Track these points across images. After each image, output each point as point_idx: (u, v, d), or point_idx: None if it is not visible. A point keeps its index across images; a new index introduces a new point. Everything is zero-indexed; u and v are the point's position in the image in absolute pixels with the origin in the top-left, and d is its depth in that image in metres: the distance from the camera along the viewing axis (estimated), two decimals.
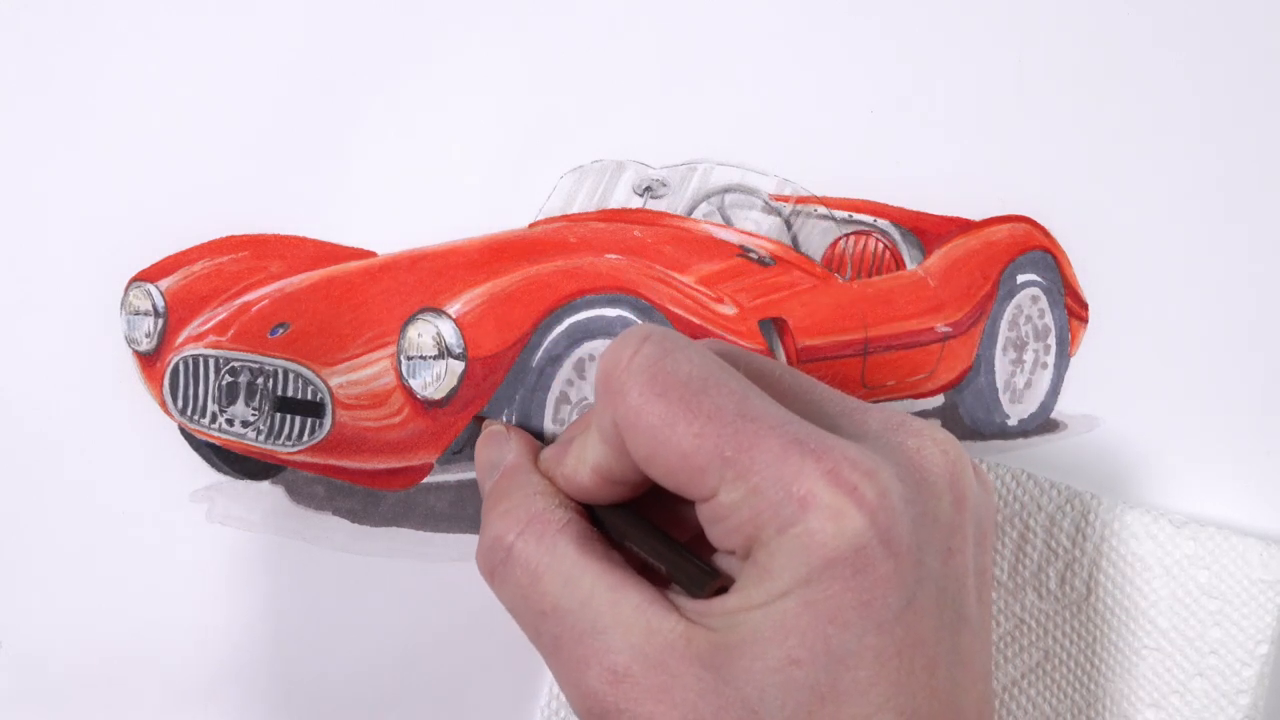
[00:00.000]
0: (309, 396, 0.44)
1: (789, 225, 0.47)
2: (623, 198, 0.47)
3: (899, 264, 0.48)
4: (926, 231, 0.48)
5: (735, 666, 0.30)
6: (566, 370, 0.45)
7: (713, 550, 0.34)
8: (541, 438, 0.45)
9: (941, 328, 0.49)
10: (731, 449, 0.31)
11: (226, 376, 0.45)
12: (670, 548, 0.34)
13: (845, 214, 0.48)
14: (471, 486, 0.46)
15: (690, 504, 0.33)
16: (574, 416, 0.46)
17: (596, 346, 0.45)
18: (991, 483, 0.36)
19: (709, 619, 0.31)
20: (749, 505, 0.31)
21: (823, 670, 0.30)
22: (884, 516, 0.30)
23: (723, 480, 0.31)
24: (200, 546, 0.45)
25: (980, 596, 0.34)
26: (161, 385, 0.45)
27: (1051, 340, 0.51)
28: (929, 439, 0.33)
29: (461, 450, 0.45)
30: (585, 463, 0.35)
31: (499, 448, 0.38)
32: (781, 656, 0.30)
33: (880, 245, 0.48)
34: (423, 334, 0.44)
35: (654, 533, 0.35)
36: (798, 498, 0.30)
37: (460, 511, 0.46)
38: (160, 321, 0.45)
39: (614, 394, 0.32)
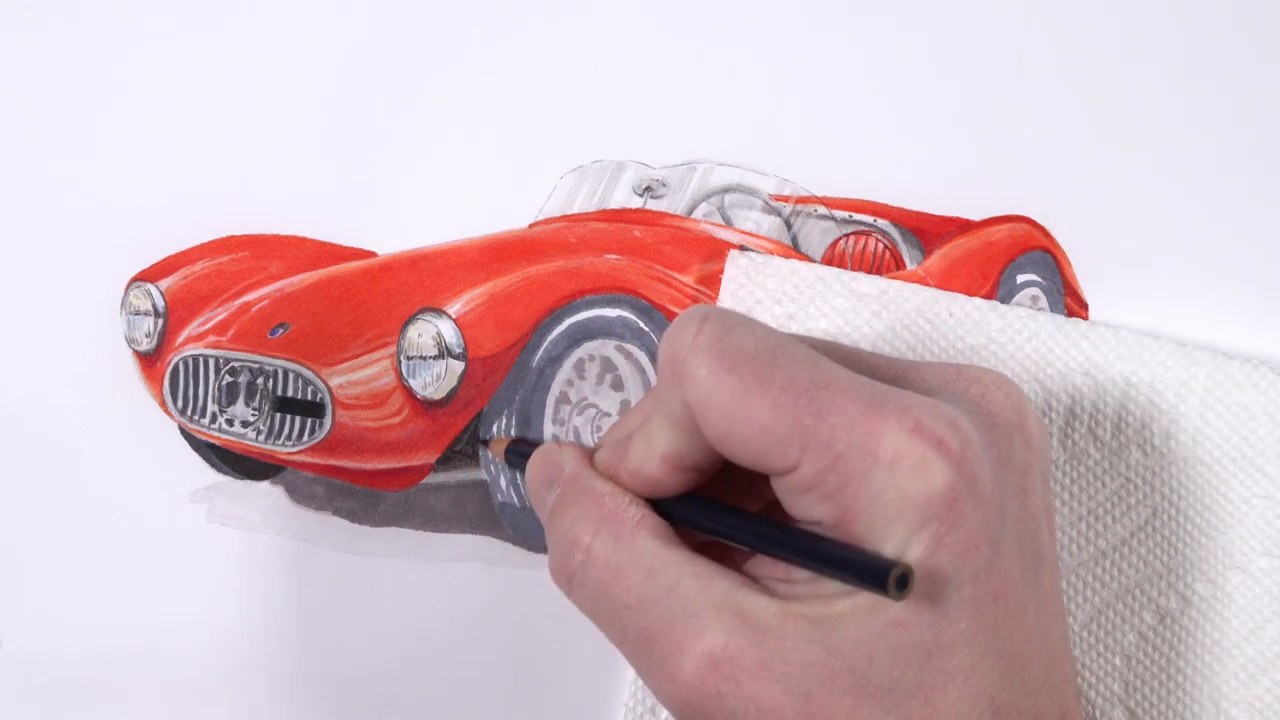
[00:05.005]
0: (309, 396, 0.44)
1: (789, 225, 0.47)
2: (623, 198, 0.47)
3: (899, 264, 0.48)
4: (926, 231, 0.48)
5: (839, 636, 0.30)
6: (566, 370, 0.45)
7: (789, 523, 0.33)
8: (541, 440, 0.45)
9: None
10: (810, 417, 0.30)
11: (226, 376, 0.45)
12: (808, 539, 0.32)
13: (845, 214, 0.48)
14: (471, 487, 0.46)
15: (756, 484, 0.33)
16: (574, 416, 0.46)
17: (596, 346, 0.45)
18: (1044, 421, 0.36)
19: (804, 594, 0.31)
20: (836, 473, 0.30)
21: (927, 627, 0.30)
22: (969, 465, 0.30)
23: (804, 450, 0.30)
24: (200, 546, 0.45)
25: (1050, 533, 0.34)
26: (161, 385, 0.45)
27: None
28: (991, 384, 0.33)
29: (461, 450, 0.45)
30: (653, 453, 0.34)
31: (553, 462, 0.37)
32: (886, 621, 0.30)
33: (880, 245, 0.48)
34: (423, 334, 0.44)
35: (754, 520, 0.34)
36: (886, 461, 0.30)
37: (460, 511, 0.46)
38: (160, 321, 0.45)
39: (682, 375, 0.32)
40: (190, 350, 0.45)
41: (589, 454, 0.36)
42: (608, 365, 0.46)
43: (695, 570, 0.32)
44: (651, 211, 0.47)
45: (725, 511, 0.34)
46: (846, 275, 0.46)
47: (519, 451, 0.40)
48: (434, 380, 0.44)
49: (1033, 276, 0.49)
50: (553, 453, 0.37)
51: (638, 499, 0.34)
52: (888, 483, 0.30)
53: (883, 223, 0.48)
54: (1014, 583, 0.31)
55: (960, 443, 0.30)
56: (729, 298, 0.45)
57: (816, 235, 0.48)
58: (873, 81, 0.48)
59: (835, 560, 0.31)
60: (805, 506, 0.31)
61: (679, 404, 0.32)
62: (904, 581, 0.29)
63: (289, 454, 0.45)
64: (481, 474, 0.46)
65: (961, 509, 0.30)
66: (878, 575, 0.29)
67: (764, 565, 0.33)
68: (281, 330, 0.45)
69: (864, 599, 0.30)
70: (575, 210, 0.47)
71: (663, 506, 0.35)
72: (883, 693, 0.30)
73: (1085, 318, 0.49)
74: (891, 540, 0.30)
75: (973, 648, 0.30)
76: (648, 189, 0.47)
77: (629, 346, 0.46)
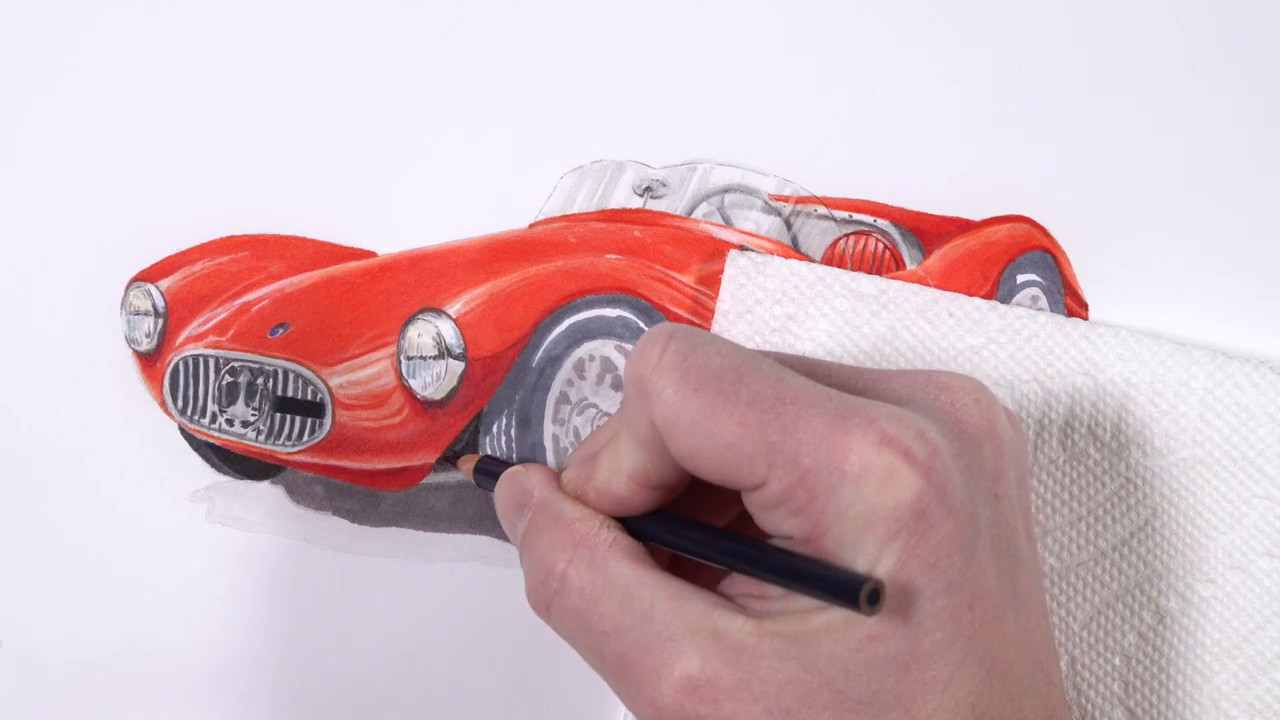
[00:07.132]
0: (309, 396, 0.44)
1: (789, 225, 0.47)
2: (623, 198, 0.47)
3: (899, 264, 0.48)
4: (926, 231, 0.48)
5: (815, 652, 0.30)
6: (566, 370, 0.45)
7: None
8: (541, 440, 0.45)
9: None
10: (777, 433, 0.30)
11: (226, 376, 0.45)
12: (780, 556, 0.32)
13: (845, 214, 0.48)
14: (471, 487, 0.46)
15: (726, 498, 0.33)
16: (574, 416, 0.46)
17: (596, 346, 0.46)
18: (1020, 422, 0.35)
19: (779, 610, 0.31)
20: (804, 488, 0.30)
21: (903, 640, 0.30)
22: (938, 474, 0.30)
23: (772, 466, 0.30)
24: (200, 546, 0.45)
25: (1028, 535, 0.34)
26: (161, 385, 0.45)
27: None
28: (960, 390, 0.33)
29: (461, 450, 0.45)
30: (620, 472, 0.34)
31: (521, 485, 0.37)
32: (861, 635, 0.30)
33: (880, 245, 0.48)
34: (423, 334, 0.44)
35: (727, 537, 0.33)
36: (853, 474, 0.30)
37: (460, 511, 0.46)
38: (160, 321, 0.45)
39: (648, 394, 0.32)
40: (190, 350, 0.45)
41: (556, 475, 0.36)
42: (608, 365, 0.46)
43: (669, 592, 0.32)
44: (651, 211, 0.47)
45: (695, 529, 0.34)
46: (846, 275, 0.46)
47: (486, 470, 0.40)
48: (434, 380, 0.44)
49: (1033, 276, 0.49)
50: (520, 476, 0.37)
51: (609, 521, 0.34)
52: (855, 496, 0.30)
53: (883, 223, 0.48)
54: (990, 589, 0.31)
55: (928, 452, 0.30)
56: (729, 298, 0.45)
57: (816, 235, 0.48)
58: (873, 81, 0.48)
59: (806, 577, 0.30)
60: (775, 522, 0.31)
61: (645, 423, 0.32)
62: (875, 596, 0.29)
63: (289, 454, 0.45)
64: None
65: (931, 519, 0.30)
66: (849, 591, 0.29)
67: (738, 582, 0.33)
68: (281, 330, 0.45)
69: (838, 614, 0.30)
70: (575, 210, 0.47)
71: (633, 525, 0.35)
72: (861, 706, 0.30)
73: (1085, 318, 0.49)
74: (862, 554, 0.30)
75: (950, 657, 0.30)
76: (648, 189, 0.47)
77: (629, 346, 0.46)
